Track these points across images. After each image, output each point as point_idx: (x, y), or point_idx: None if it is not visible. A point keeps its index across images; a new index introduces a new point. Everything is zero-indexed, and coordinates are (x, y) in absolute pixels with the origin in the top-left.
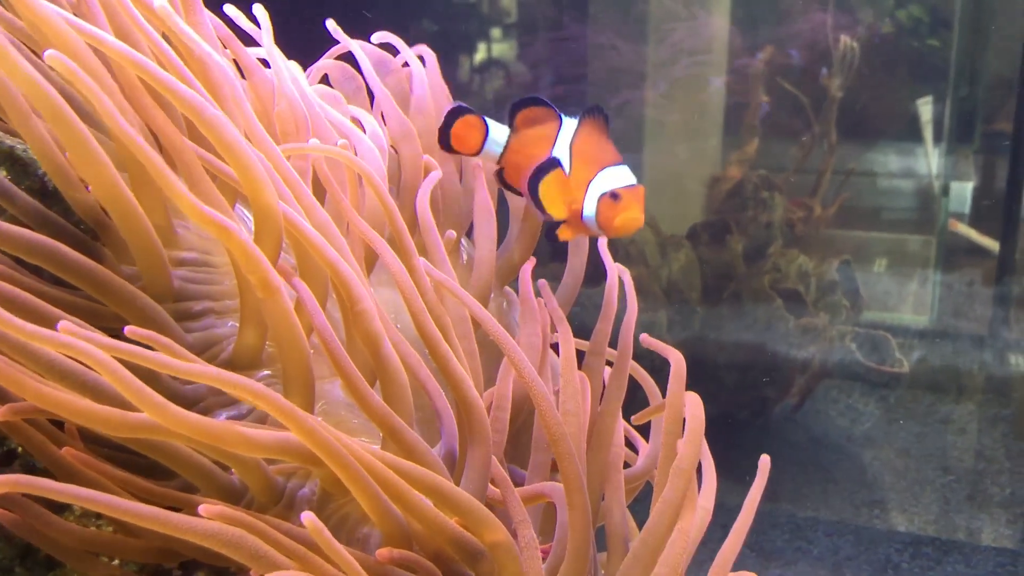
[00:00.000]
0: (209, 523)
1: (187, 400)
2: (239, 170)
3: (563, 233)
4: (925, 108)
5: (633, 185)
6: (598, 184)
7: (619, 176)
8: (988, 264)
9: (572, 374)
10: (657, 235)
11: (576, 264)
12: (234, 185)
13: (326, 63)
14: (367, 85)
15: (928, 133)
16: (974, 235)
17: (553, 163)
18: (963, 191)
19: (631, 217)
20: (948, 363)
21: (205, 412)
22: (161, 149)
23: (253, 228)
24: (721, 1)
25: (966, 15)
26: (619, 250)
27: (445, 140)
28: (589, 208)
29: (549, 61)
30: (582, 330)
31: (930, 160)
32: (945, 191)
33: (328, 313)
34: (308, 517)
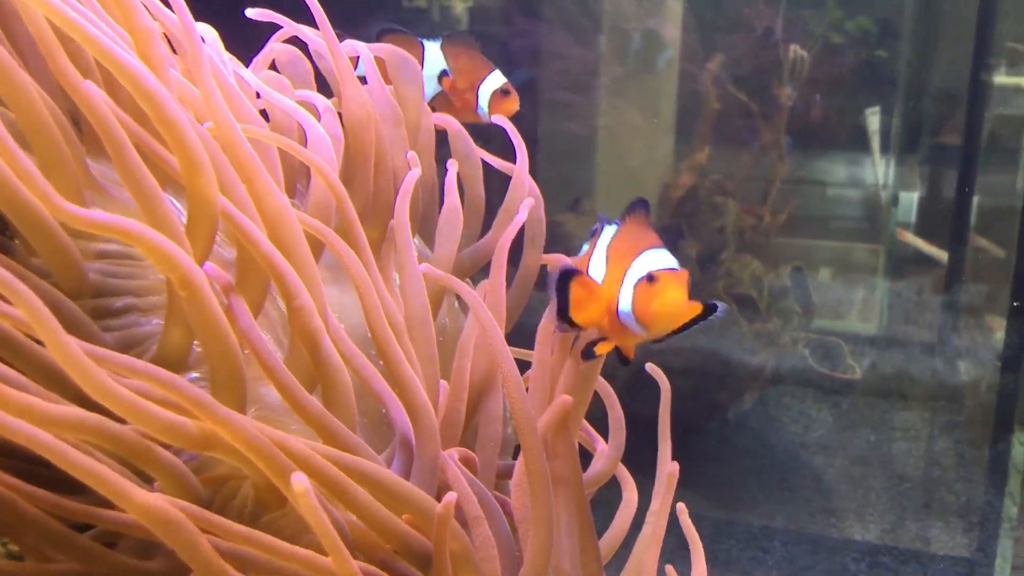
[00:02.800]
0: (152, 497)
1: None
2: (175, 149)
3: (602, 348)
4: (873, 118)
5: (675, 268)
6: (634, 272)
7: (659, 259)
8: (936, 273)
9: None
10: None
11: (531, 261)
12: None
13: (273, 47)
14: (316, 70)
15: (876, 143)
16: (921, 244)
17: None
18: (910, 201)
19: (671, 299)
20: (900, 370)
21: None
22: (80, 121)
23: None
24: (673, 9)
25: (914, 28)
26: (573, 252)
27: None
28: (625, 302)
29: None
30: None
31: (877, 170)
32: (895, 201)
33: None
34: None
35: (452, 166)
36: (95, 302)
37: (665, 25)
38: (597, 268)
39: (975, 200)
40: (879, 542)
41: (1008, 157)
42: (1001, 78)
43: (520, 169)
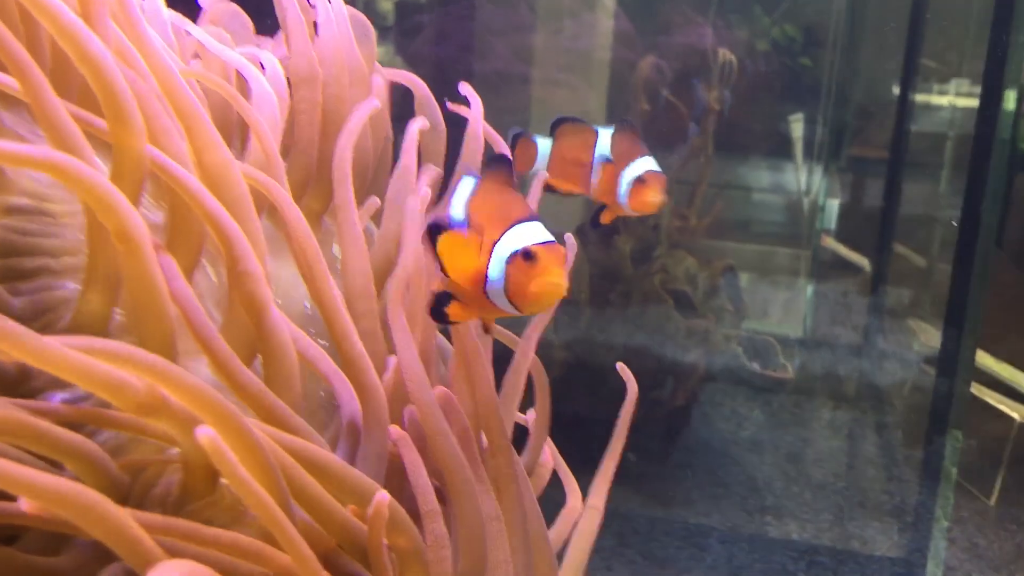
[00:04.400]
0: (61, 481)
1: (10, 377)
2: (98, 92)
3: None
4: (796, 125)
5: (552, 243)
6: (506, 244)
7: (534, 233)
8: (859, 278)
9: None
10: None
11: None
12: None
13: (211, 4)
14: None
15: (799, 150)
16: (843, 250)
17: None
18: (832, 208)
19: (551, 281)
20: (828, 370)
21: (32, 394)
22: None
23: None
24: (605, 10)
25: (838, 38)
26: None
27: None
28: (495, 276)
29: (429, 62)
30: None
31: (800, 176)
32: (821, 207)
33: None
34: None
35: (414, 123)
36: (3, 262)
37: (598, 17)
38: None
39: (898, 209)
40: (816, 541)
41: (930, 170)
42: (926, 94)
43: (474, 124)
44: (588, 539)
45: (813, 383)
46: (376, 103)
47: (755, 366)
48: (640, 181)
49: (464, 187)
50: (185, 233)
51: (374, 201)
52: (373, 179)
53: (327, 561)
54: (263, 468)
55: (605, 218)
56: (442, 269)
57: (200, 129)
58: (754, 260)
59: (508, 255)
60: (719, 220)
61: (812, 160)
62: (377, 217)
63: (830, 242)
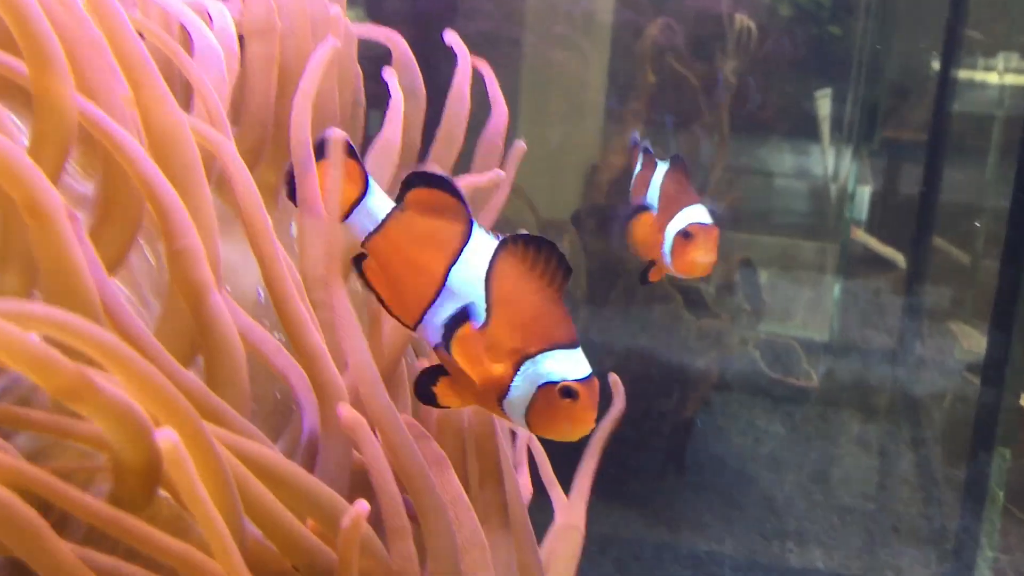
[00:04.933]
0: None
1: None
2: (15, 31)
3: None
4: (823, 103)
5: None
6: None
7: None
8: (893, 275)
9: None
10: (536, 217)
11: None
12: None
13: None
14: None
15: (826, 131)
16: (875, 244)
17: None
18: (861, 196)
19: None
20: (858, 379)
21: None
22: None
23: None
24: None
25: (872, 5)
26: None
27: (292, 188)
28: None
29: (407, 22)
30: None
31: (827, 160)
32: (851, 196)
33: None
34: None
35: (396, 92)
36: None
37: None
38: (465, 287)
39: (939, 199)
40: (844, 571)
41: (974, 155)
42: (971, 70)
43: (460, 82)
44: (570, 564)
45: (841, 393)
46: (337, 43)
47: (775, 373)
48: (685, 236)
49: (481, 249)
50: (120, 205)
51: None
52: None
53: None
54: (217, 476)
55: (654, 276)
56: (446, 347)
57: (148, 82)
58: (775, 254)
59: (542, 381)
60: (735, 208)
61: (841, 142)
62: None
63: (861, 234)
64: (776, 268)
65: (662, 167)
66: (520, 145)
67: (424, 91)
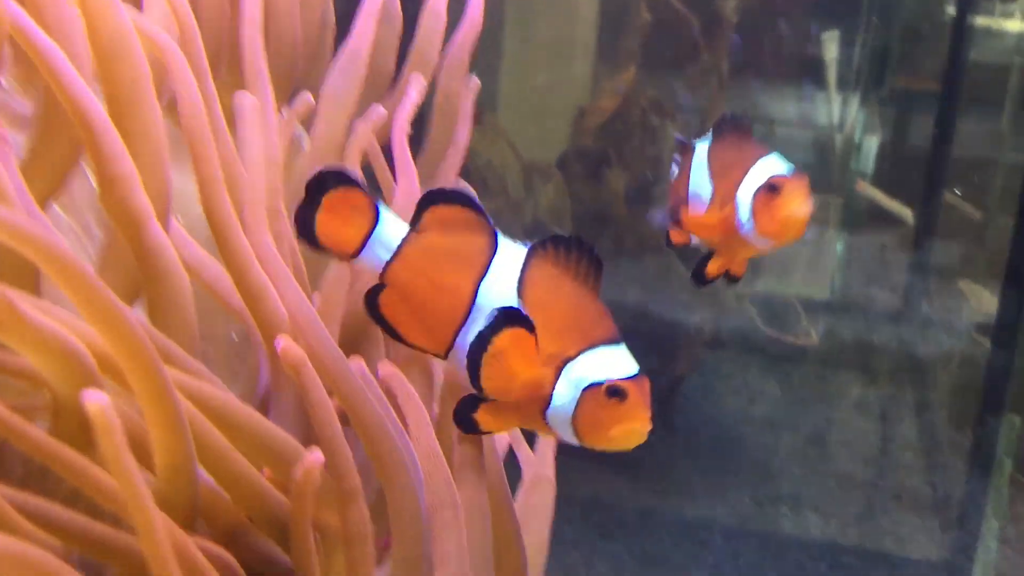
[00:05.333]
0: None
1: None
2: None
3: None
4: (829, 47)
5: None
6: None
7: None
8: (899, 231)
9: None
10: (520, 161)
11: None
12: None
13: None
14: None
15: (832, 77)
16: (881, 197)
17: None
18: (868, 147)
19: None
20: (860, 338)
21: None
22: None
23: None
24: None
25: None
26: (472, 174)
27: (305, 225)
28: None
29: None
30: None
31: (832, 108)
32: (857, 146)
33: None
34: None
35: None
36: None
37: None
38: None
39: (951, 151)
40: (841, 539)
41: (989, 105)
42: (989, 16)
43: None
44: (545, 519)
45: (841, 353)
46: None
47: (772, 331)
48: (770, 191)
49: (509, 259)
50: (60, 125)
51: (305, 98)
52: (308, 70)
53: (235, 538)
54: (170, 417)
55: (713, 269)
56: (477, 373)
57: None
58: None
59: (586, 384)
60: None
61: (848, 90)
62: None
63: (866, 188)
64: None
65: (702, 143)
66: (475, 82)
67: (400, 13)
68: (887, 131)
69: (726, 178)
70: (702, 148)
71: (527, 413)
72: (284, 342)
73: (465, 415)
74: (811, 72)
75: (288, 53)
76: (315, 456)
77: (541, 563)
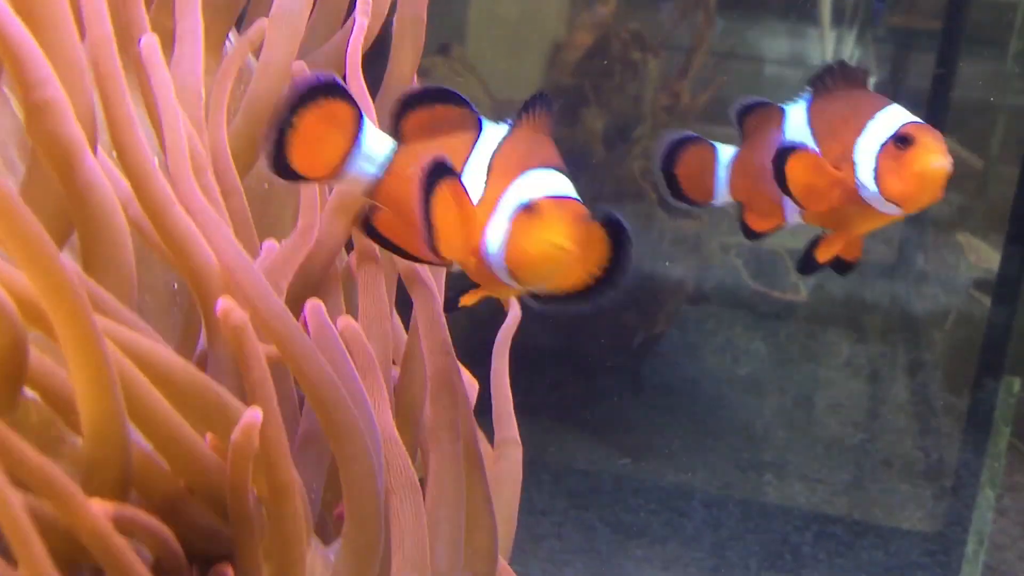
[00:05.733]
0: None
1: None
2: None
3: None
4: None
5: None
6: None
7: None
8: None
9: None
10: (490, 99)
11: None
12: None
13: None
14: None
15: (826, 12)
16: None
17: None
18: None
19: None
20: (851, 294)
21: None
22: None
23: None
24: None
25: None
26: None
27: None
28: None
29: None
30: None
31: (825, 46)
32: None
33: None
34: None
35: None
36: None
37: None
38: (474, 184)
39: (951, 94)
40: (827, 508)
41: (993, 45)
42: None
43: None
44: (515, 485)
45: (831, 309)
46: None
47: (758, 285)
48: (901, 144)
49: (491, 138)
50: None
51: (260, 24)
52: None
53: (173, 511)
54: (98, 371)
55: (824, 252)
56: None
57: None
58: None
59: (514, 210)
60: (719, 98)
61: (842, 26)
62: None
63: None
64: None
65: (797, 105)
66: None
67: None
68: (883, 71)
69: (838, 136)
70: (797, 110)
71: (483, 275)
72: (224, 304)
73: (451, 302)
74: (803, 7)
75: None
76: (254, 415)
77: (510, 533)
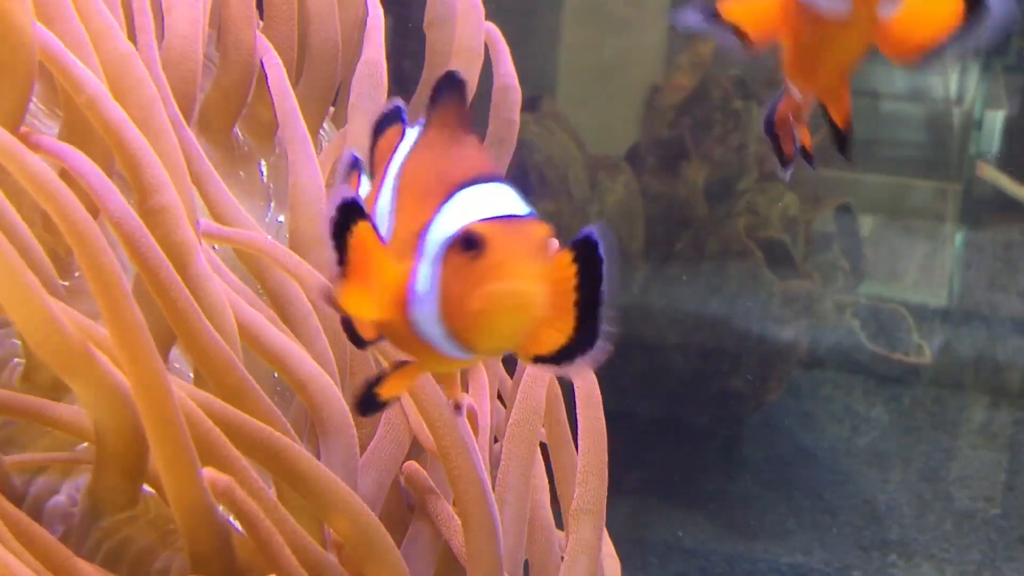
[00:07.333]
0: None
1: None
2: None
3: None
4: None
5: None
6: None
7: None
8: None
9: None
10: (584, 154)
11: None
12: None
13: None
14: None
15: None
16: (1007, 184)
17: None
18: (991, 123)
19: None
20: (982, 354)
21: None
22: None
23: None
24: None
25: None
26: (530, 170)
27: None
28: (424, 291)
29: None
30: None
31: (947, 78)
32: (977, 123)
33: None
34: None
35: (374, 5)
36: None
37: None
38: (383, 213)
39: None
40: None
41: None
42: None
43: None
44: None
45: (961, 371)
46: None
47: (879, 347)
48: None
49: (401, 149)
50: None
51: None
52: (346, 73)
53: None
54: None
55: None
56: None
57: (94, 11)
58: (880, 197)
59: (442, 245)
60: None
61: (966, 55)
62: None
63: (989, 172)
64: (882, 215)
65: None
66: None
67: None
68: (1014, 104)
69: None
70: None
71: (409, 343)
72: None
73: (365, 399)
74: None
75: (327, 60)
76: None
77: None
